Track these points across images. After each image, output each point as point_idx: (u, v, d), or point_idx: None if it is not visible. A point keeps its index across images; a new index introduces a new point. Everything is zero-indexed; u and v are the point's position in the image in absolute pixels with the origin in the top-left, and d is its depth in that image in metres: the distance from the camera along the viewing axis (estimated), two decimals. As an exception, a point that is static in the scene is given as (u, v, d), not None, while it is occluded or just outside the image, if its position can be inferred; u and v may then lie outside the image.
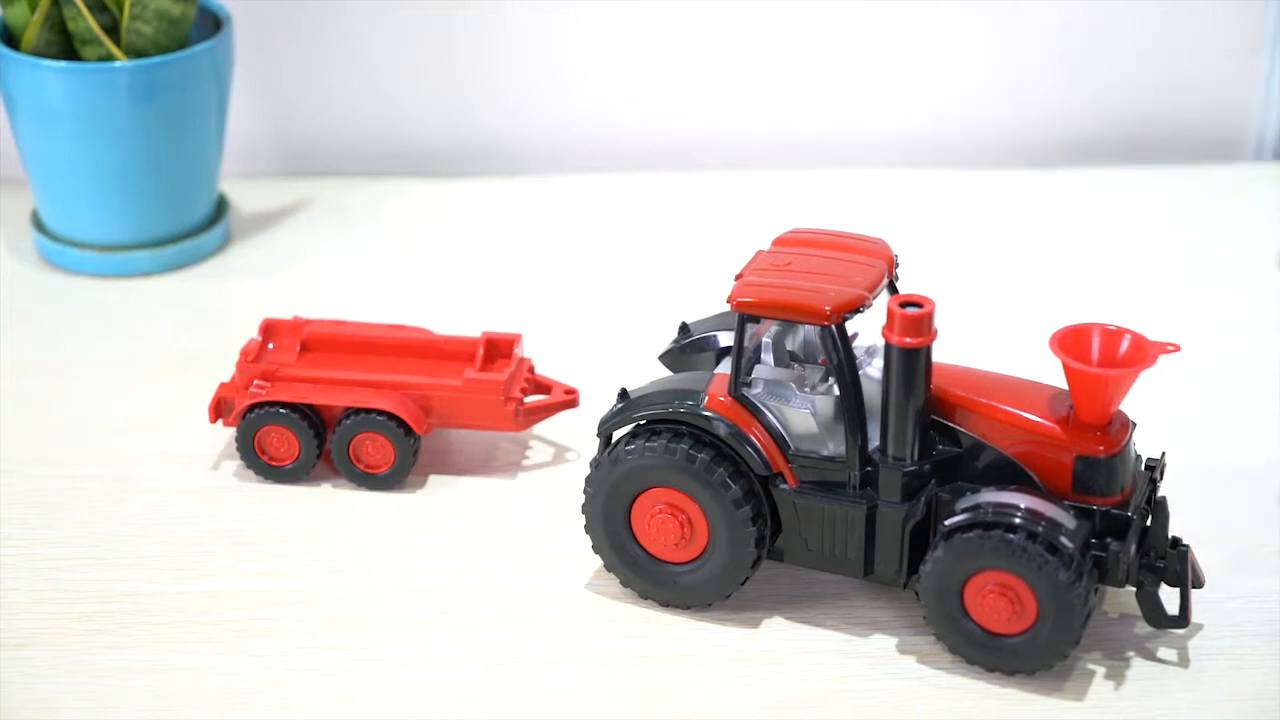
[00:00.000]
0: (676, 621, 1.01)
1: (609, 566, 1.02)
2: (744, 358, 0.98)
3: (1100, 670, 0.97)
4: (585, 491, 1.01)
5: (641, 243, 1.40)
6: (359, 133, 1.49)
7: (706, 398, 0.98)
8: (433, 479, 1.13)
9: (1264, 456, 1.14)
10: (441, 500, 1.11)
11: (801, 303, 0.96)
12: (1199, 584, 0.99)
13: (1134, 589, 0.96)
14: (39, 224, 1.37)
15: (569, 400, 1.14)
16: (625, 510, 1.00)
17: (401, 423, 1.10)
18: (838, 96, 1.50)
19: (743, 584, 1.00)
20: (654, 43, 1.48)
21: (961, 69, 1.50)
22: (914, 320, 0.94)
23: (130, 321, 1.30)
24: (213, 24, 1.36)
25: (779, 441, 0.98)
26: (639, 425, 1.00)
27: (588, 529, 1.02)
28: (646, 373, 1.06)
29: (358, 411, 1.10)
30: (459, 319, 1.24)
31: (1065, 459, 0.95)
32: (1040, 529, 0.93)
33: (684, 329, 1.07)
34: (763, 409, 0.98)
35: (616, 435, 1.02)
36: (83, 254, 1.34)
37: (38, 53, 1.30)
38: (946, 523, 0.95)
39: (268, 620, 1.01)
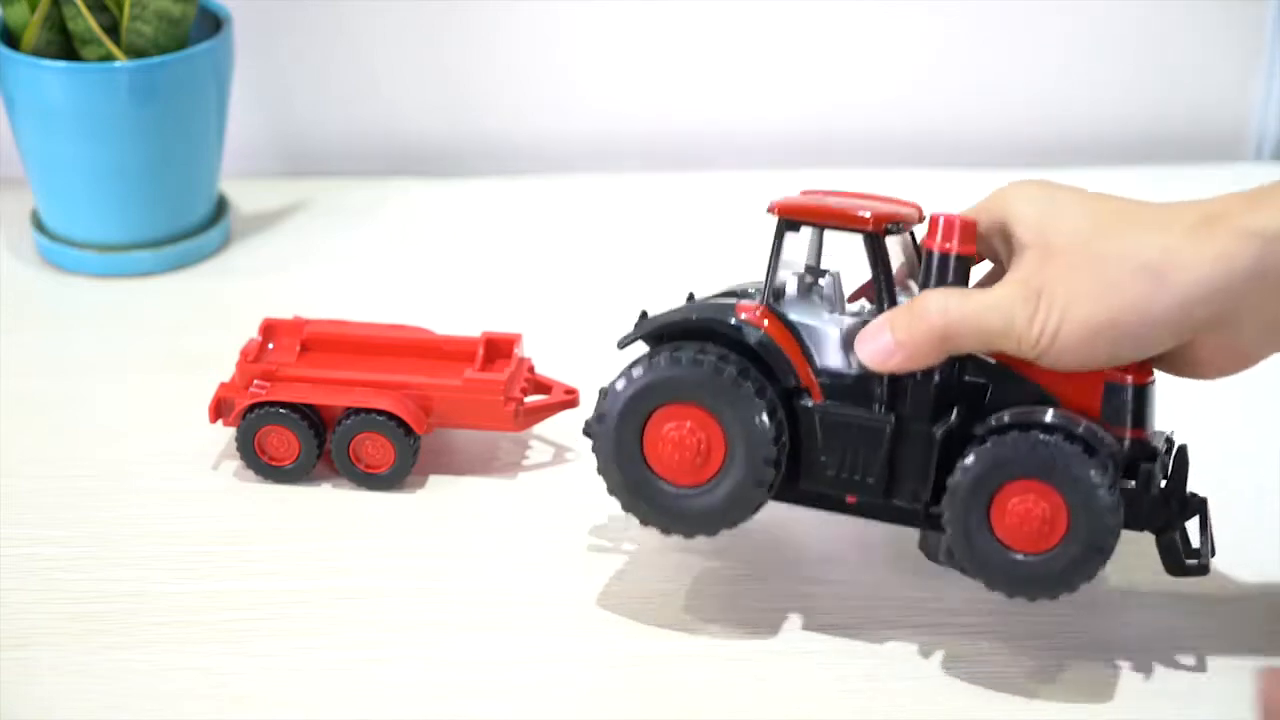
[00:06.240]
0: (676, 621, 1.01)
1: (612, 490, 0.99)
2: (777, 268, 0.97)
3: (1101, 671, 0.97)
4: (597, 403, 0.98)
5: (642, 243, 1.40)
6: (359, 133, 1.49)
7: (736, 308, 0.97)
8: (433, 479, 1.13)
9: (1264, 454, 1.14)
10: (441, 500, 1.11)
11: (844, 209, 0.96)
12: (1212, 552, 0.98)
13: (1154, 535, 0.96)
14: (39, 224, 1.37)
15: (569, 400, 1.14)
16: (639, 429, 0.97)
17: (401, 423, 1.10)
18: (838, 96, 1.50)
19: (754, 512, 0.97)
20: (654, 42, 1.48)
21: (962, 69, 1.50)
22: (957, 227, 0.94)
23: (130, 321, 1.30)
24: (213, 24, 1.36)
25: (807, 355, 0.97)
26: (660, 342, 0.98)
27: (595, 448, 0.98)
28: (646, 373, 1.05)
29: (358, 411, 1.10)
30: (459, 319, 1.24)
31: (1094, 385, 0.95)
32: (1079, 430, 0.92)
33: (644, 317, 1.03)
34: (792, 322, 0.97)
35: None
36: (83, 254, 1.34)
37: (38, 53, 1.30)
38: (980, 429, 0.94)
39: (268, 620, 1.01)
